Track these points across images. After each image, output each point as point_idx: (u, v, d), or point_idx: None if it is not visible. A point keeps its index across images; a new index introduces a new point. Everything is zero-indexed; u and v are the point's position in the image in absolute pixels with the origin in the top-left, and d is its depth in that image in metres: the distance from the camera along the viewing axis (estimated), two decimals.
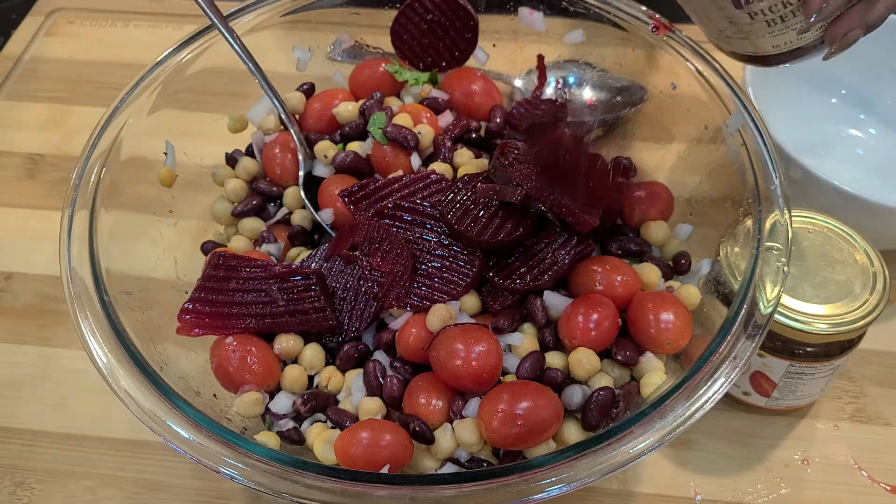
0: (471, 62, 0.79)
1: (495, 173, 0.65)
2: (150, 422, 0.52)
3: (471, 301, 0.62)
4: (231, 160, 0.75)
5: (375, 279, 0.61)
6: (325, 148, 0.72)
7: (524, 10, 0.79)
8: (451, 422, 0.57)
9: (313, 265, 0.65)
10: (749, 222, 0.62)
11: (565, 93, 0.83)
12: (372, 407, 0.59)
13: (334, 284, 0.64)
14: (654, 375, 0.59)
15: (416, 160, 0.70)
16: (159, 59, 0.71)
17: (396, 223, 0.65)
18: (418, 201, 0.66)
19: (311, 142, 0.73)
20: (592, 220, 0.61)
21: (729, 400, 0.76)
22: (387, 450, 0.54)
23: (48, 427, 0.75)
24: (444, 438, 0.56)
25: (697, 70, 0.70)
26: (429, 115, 0.73)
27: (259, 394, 0.59)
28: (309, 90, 0.77)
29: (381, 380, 0.60)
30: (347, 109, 0.73)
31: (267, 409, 0.60)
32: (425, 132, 0.71)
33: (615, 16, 0.75)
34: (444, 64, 0.78)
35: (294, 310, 0.61)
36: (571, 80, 0.83)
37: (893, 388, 0.78)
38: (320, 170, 0.73)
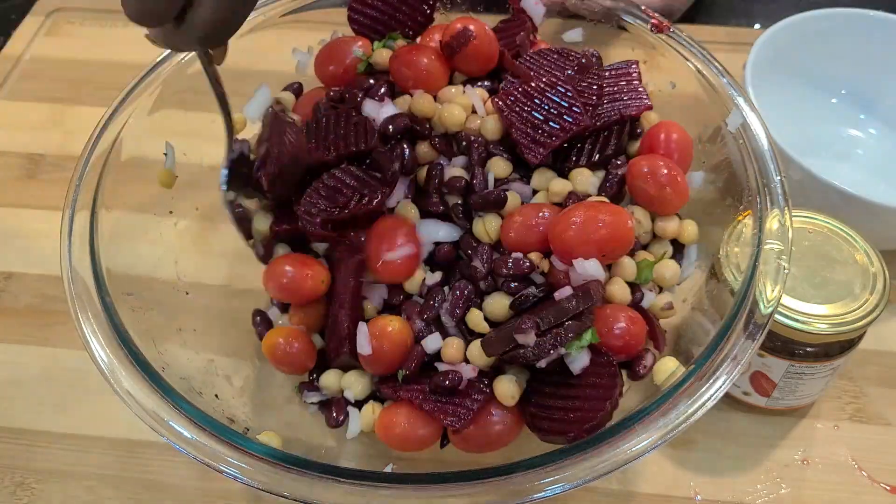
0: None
1: None
2: (153, 423, 0.52)
3: None
4: None
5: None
6: None
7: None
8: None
9: None
10: (749, 222, 0.62)
11: None
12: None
13: None
14: (668, 361, 0.58)
15: None
16: (159, 59, 0.71)
17: None
18: None
19: None
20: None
21: (729, 400, 0.76)
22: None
23: (48, 427, 0.75)
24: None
25: (697, 70, 0.70)
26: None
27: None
28: (298, 90, 0.76)
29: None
30: None
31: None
32: None
33: (615, 16, 0.75)
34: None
35: None
36: None
37: (893, 388, 0.78)
38: None
